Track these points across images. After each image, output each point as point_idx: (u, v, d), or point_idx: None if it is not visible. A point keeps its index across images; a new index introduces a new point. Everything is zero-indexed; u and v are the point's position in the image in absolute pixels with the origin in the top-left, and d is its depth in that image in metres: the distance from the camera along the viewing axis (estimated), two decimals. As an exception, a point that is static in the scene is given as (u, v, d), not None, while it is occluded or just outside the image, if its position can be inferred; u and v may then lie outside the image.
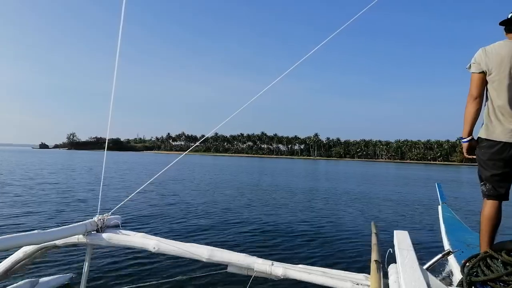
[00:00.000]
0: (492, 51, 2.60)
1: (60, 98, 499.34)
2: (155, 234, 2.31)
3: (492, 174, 2.63)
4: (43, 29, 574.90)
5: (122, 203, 2.58)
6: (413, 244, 1.78)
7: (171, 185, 17.22)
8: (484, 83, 2.66)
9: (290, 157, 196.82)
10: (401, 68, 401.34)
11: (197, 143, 3.35)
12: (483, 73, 2.63)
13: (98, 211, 2.44)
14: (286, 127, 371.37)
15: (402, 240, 1.81)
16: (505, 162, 2.57)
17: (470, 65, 2.72)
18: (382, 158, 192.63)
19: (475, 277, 2.28)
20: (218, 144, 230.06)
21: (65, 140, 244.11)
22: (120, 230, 2.34)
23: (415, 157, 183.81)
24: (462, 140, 2.82)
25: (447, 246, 3.61)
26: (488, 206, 2.68)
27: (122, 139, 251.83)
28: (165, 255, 2.22)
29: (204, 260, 2.08)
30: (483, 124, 2.71)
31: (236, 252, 2.07)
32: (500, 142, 2.56)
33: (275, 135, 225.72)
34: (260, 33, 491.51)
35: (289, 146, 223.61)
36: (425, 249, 6.29)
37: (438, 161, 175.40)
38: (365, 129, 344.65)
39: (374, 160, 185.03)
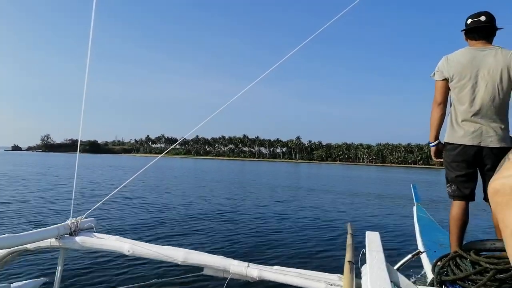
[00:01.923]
0: (453, 59, 2.75)
1: (34, 99, 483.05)
2: (130, 237, 2.28)
3: (456, 175, 2.77)
4: (13, 23, 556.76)
5: (96, 206, 2.53)
6: (384, 244, 1.82)
7: (146, 189, 17.00)
8: (447, 90, 2.81)
9: (272, 160, 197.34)
10: (384, 71, 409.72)
11: (174, 145, 3.33)
12: (446, 80, 2.78)
13: (71, 214, 2.39)
14: (268, 130, 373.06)
15: (372, 241, 1.85)
16: (468, 163, 2.71)
17: (434, 73, 2.89)
18: (364, 162, 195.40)
19: (445, 276, 2.34)
20: (198, 147, 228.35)
21: (39, 142, 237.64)
22: (94, 233, 2.29)
23: (396, 161, 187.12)
24: (430, 144, 2.96)
25: (420, 247, 3.69)
26: (455, 207, 2.80)
27: (99, 142, 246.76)
28: (140, 258, 2.19)
29: (180, 262, 2.06)
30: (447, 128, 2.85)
31: (212, 254, 2.06)
32: (462, 144, 2.69)
33: (257, 137, 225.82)
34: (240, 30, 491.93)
35: (271, 149, 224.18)
36: (399, 250, 6.42)
37: (419, 164, 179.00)
38: (346, 132, 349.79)
39: (355, 163, 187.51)
